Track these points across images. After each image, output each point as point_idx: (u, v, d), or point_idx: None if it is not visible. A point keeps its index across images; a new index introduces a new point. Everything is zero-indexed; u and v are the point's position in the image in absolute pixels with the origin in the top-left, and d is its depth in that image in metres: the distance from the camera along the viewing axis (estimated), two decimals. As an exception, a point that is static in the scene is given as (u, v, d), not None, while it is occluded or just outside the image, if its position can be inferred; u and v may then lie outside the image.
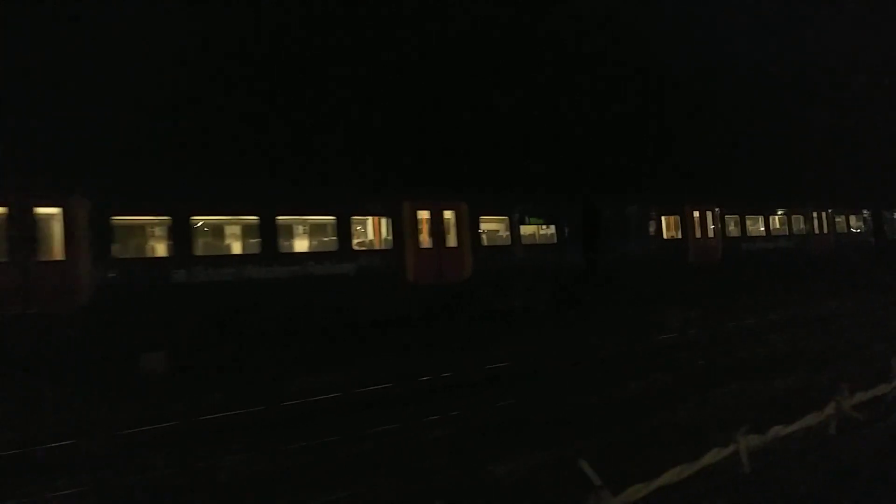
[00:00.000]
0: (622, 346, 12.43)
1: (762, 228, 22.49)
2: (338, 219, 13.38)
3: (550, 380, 9.82)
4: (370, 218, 14.25)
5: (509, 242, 16.10)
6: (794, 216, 23.60)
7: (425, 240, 14.53)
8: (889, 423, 3.55)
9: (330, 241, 13.41)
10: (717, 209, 20.69)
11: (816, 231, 24.28)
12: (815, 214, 24.35)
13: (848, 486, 2.77)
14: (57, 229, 10.53)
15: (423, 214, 14.62)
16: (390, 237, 14.15)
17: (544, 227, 17.11)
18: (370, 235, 14.30)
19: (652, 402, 8.07)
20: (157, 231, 11.66)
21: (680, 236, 19.66)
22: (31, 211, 10.26)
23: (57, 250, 10.49)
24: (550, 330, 14.20)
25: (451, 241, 14.98)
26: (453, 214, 15.08)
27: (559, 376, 10.09)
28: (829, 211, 25.10)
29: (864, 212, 27.41)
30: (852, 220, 26.68)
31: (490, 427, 7.39)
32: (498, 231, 16.32)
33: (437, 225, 14.75)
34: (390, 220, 14.20)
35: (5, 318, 9.78)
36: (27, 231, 10.17)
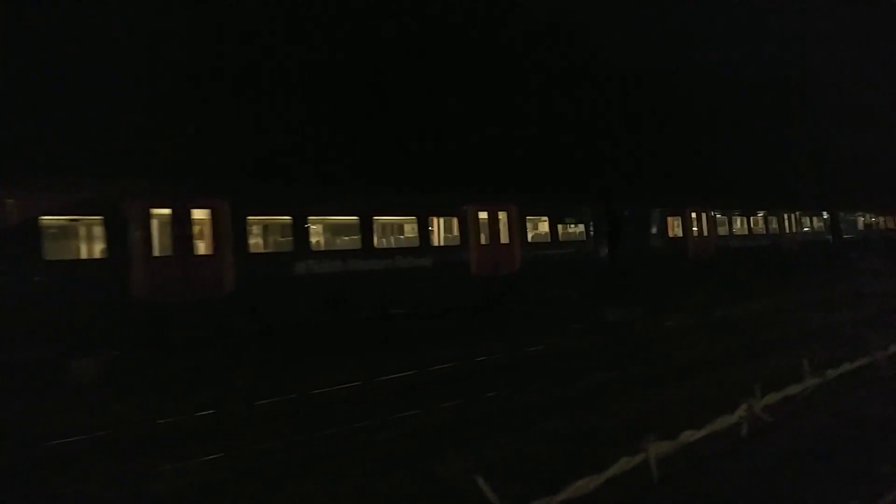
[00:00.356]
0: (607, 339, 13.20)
1: (745, 228, 25.75)
2: (418, 218, 15.45)
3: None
4: (442, 218, 16.33)
5: (549, 240, 18.52)
6: (769, 217, 26.98)
7: (485, 237, 16.74)
8: (798, 424, 3.57)
9: (412, 238, 15.47)
10: (711, 211, 23.72)
11: (787, 230, 27.80)
12: (786, 216, 27.85)
13: (758, 489, 2.75)
14: (206, 228, 12.26)
15: (483, 215, 16.80)
16: (457, 235, 16.31)
17: (575, 225, 19.58)
18: (442, 233, 16.38)
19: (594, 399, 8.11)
20: (282, 229, 13.46)
21: (682, 234, 22.57)
22: (189, 212, 11.94)
23: (207, 246, 12.23)
24: (576, 317, 16.37)
25: (504, 238, 17.24)
26: (506, 215, 17.33)
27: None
28: (797, 213, 28.69)
29: (824, 213, 31.25)
30: (814, 221, 30.42)
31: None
32: (540, 229, 18.67)
33: (493, 224, 16.98)
34: (457, 220, 16.34)
35: (172, 305, 11.51)
36: (186, 229, 11.87)
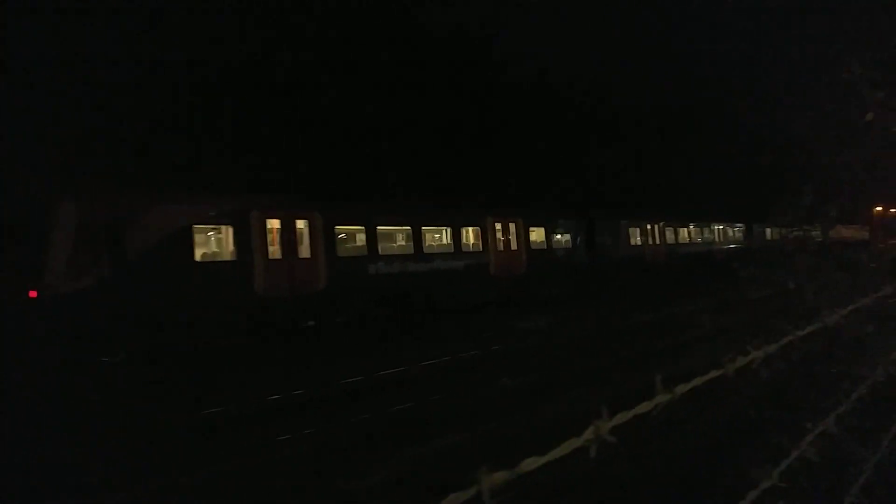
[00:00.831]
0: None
1: (688, 237, 30.70)
2: (451, 228, 18.51)
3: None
4: (469, 228, 19.42)
5: (545, 246, 22.12)
6: (704, 228, 32.18)
7: (500, 244, 20.03)
8: (648, 446, 3.52)
9: (448, 244, 18.48)
10: (662, 223, 28.31)
11: (716, 239, 33.20)
12: (715, 227, 33.24)
13: None
14: (306, 235, 14.73)
15: (499, 226, 20.09)
16: (479, 242, 19.48)
17: (563, 234, 23.32)
18: (469, 240, 19.45)
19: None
20: (358, 237, 16.09)
21: (640, 243, 26.96)
22: (294, 223, 14.39)
23: (306, 251, 14.70)
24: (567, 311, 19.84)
25: (513, 245, 20.63)
26: (514, 226, 20.72)
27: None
28: (723, 225, 34.22)
29: (741, 225, 37.13)
30: (735, 231, 36.17)
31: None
32: (538, 238, 22.20)
33: (506, 233, 20.31)
34: (479, 229, 19.52)
35: (282, 299, 13.94)
36: (292, 236, 14.31)
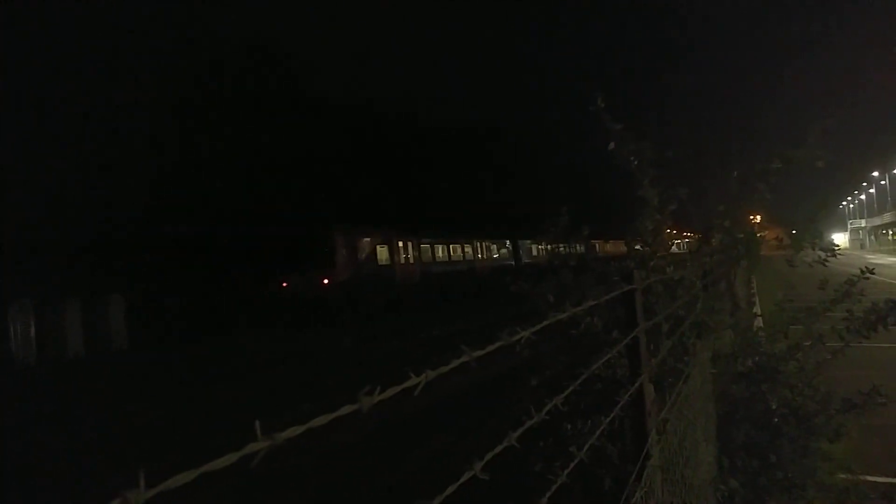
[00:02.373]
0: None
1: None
2: (461, 245, 30.99)
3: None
4: (465, 245, 31.94)
5: (497, 255, 35.57)
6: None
7: (480, 255, 32.94)
8: None
9: (460, 254, 30.87)
10: (545, 242, 43.47)
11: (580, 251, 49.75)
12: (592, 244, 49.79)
13: None
14: (411, 250, 26.12)
15: (478, 244, 33.01)
16: (470, 253, 32.16)
17: (502, 249, 36.97)
18: (467, 253, 31.98)
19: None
20: (427, 250, 27.73)
21: (536, 255, 41.75)
22: (407, 243, 25.76)
23: (412, 259, 26.10)
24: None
25: (484, 255, 33.68)
26: (482, 243, 33.78)
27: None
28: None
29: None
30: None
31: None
32: (494, 252, 35.51)
33: (482, 249, 33.30)
34: (472, 247, 32.23)
35: (406, 290, 25.19)
36: (406, 251, 25.67)
